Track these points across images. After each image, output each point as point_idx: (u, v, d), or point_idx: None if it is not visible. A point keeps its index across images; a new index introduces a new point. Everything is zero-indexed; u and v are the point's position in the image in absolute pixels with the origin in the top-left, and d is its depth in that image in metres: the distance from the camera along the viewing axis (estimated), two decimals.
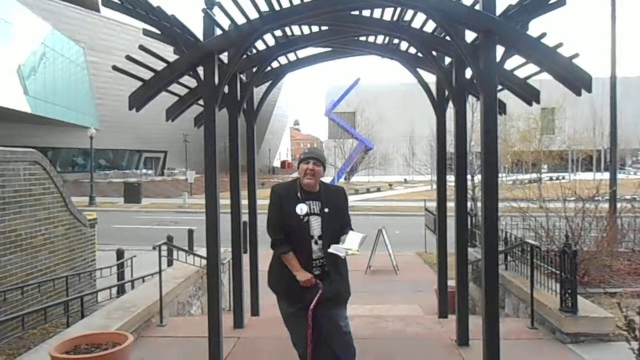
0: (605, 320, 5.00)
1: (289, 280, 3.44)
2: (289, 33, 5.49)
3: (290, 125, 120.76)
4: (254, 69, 5.67)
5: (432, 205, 10.31)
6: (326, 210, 3.46)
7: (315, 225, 3.44)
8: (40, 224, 7.52)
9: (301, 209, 3.42)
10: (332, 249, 3.33)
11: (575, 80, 3.83)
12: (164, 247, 6.36)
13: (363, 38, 5.88)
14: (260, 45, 5.44)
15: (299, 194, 3.47)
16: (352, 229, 3.53)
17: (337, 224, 3.48)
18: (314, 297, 3.38)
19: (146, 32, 4.28)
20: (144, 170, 53.49)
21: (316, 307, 3.40)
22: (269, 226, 3.51)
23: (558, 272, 5.25)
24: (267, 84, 6.38)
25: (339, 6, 4.24)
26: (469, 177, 12.55)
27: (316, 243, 3.44)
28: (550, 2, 3.78)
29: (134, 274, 9.24)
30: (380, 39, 5.89)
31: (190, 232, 12.67)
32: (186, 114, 5.41)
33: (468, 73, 4.91)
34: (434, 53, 5.27)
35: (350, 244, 3.33)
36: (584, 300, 5.48)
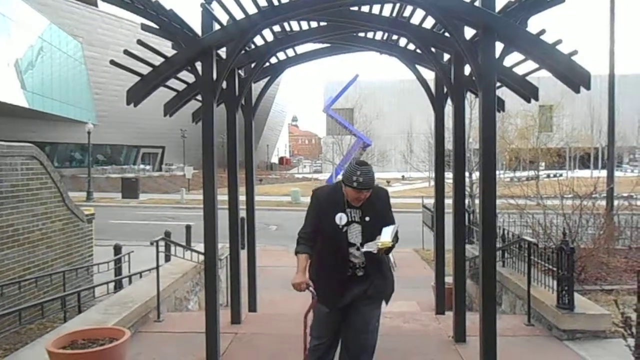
0: (601, 317, 5.01)
1: (331, 290, 3.38)
2: (287, 29, 5.47)
3: (289, 121, 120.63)
4: (253, 65, 5.66)
5: (430, 202, 10.32)
6: (367, 219, 3.34)
7: (356, 233, 3.34)
8: (38, 219, 7.50)
9: (341, 218, 3.32)
10: (365, 247, 3.27)
11: (574, 77, 3.83)
12: (162, 243, 6.36)
13: (362, 34, 5.86)
14: (258, 40, 5.43)
15: (341, 203, 3.35)
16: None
17: (377, 232, 3.30)
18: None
19: (144, 27, 4.25)
20: (141, 166, 53.41)
21: (351, 303, 3.38)
22: (303, 226, 3.46)
23: (555, 269, 5.26)
24: (265, 80, 6.38)
25: (338, 2, 4.23)
26: (467, 174, 12.56)
27: (358, 249, 3.34)
28: None
29: (132, 270, 9.21)
30: (379, 35, 5.88)
31: (188, 227, 12.65)
32: (184, 109, 5.40)
33: (467, 70, 4.90)
34: (432, 49, 5.27)
35: (382, 238, 3.22)
36: (580, 297, 5.50)
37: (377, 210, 3.37)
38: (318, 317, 3.51)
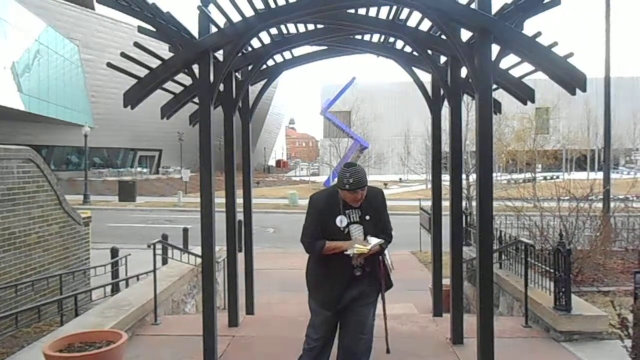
0: (598, 319, 5.02)
1: (330, 290, 3.45)
2: (284, 31, 5.48)
3: (286, 124, 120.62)
4: (250, 67, 5.66)
5: (427, 204, 10.35)
6: (367, 217, 3.44)
7: (358, 233, 3.42)
8: (34, 222, 7.49)
9: (341, 220, 3.39)
10: (348, 250, 3.32)
11: (570, 79, 3.85)
12: (159, 246, 6.35)
13: (359, 36, 5.87)
14: (255, 43, 5.43)
15: (339, 206, 3.41)
16: (386, 238, 3.53)
17: (379, 229, 3.47)
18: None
19: (141, 30, 4.25)
20: (138, 169, 53.29)
21: (347, 302, 3.44)
22: (305, 234, 3.47)
23: (552, 270, 5.27)
24: (262, 82, 6.38)
25: (334, 4, 4.24)
26: (463, 176, 12.57)
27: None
28: (545, 1, 3.79)
29: (129, 273, 9.21)
30: (376, 38, 5.89)
31: (185, 230, 12.67)
32: (181, 112, 5.40)
33: (463, 72, 4.92)
34: (429, 52, 5.28)
35: (363, 244, 3.32)
36: (577, 299, 5.51)
37: (375, 210, 3.47)
38: (316, 319, 3.56)
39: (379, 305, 3.60)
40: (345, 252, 3.30)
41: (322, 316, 3.51)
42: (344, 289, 3.41)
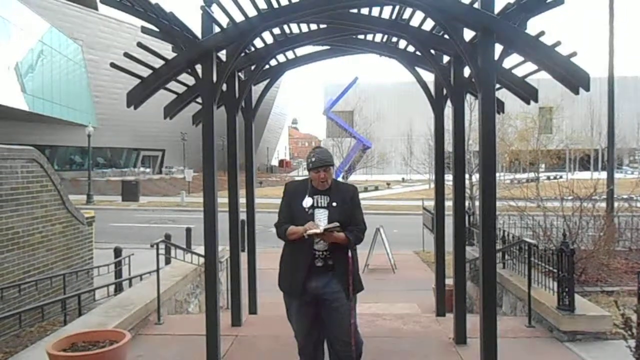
0: (602, 319, 5.01)
1: (291, 277, 3.58)
2: (287, 31, 5.48)
3: (289, 124, 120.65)
4: (252, 67, 5.67)
5: (430, 204, 10.34)
6: (334, 204, 3.56)
7: (321, 217, 3.52)
8: (38, 222, 7.50)
9: (306, 202, 3.56)
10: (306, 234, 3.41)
11: (574, 79, 3.84)
12: (162, 245, 6.36)
13: (362, 36, 5.88)
14: (258, 43, 5.44)
15: (308, 190, 3.59)
16: (360, 231, 3.61)
17: (346, 218, 3.53)
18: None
19: (144, 30, 4.27)
20: (141, 169, 53.36)
21: (321, 304, 3.50)
22: (278, 218, 3.67)
23: (555, 270, 5.26)
24: (265, 82, 6.38)
25: (337, 4, 4.23)
26: (466, 176, 12.55)
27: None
28: (548, 0, 3.78)
29: (132, 272, 9.21)
30: (378, 37, 5.89)
31: (188, 230, 12.66)
32: (184, 112, 5.41)
33: (466, 72, 4.91)
34: (432, 51, 5.28)
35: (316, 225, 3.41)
36: (581, 299, 5.49)
37: (343, 199, 3.60)
38: (294, 318, 3.66)
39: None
40: (304, 234, 3.38)
41: (294, 308, 3.61)
42: (305, 277, 3.49)
